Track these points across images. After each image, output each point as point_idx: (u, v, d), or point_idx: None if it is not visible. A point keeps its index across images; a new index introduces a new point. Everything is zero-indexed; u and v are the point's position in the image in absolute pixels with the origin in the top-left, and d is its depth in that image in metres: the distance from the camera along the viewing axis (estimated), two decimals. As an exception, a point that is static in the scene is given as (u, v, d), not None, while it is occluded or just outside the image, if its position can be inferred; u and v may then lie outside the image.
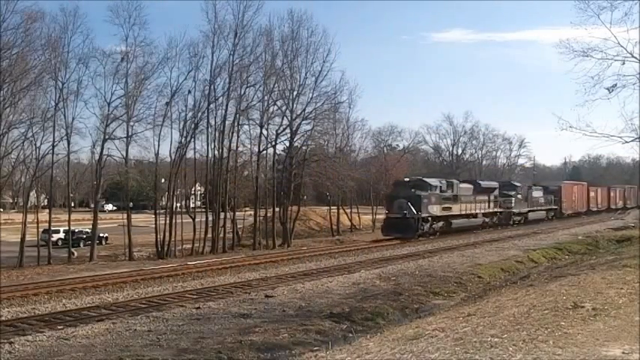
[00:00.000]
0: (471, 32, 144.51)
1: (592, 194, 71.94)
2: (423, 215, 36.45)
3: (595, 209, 72.47)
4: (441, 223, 39.43)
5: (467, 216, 42.07)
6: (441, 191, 39.92)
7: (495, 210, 46.54)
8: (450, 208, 40.06)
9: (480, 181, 48.57)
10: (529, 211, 51.76)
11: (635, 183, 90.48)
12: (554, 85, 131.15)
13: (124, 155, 42.08)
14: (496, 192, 47.16)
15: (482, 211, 44.31)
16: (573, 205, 64.90)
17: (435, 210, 38.35)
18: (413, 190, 37.20)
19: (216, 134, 45.36)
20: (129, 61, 43.08)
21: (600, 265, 16.96)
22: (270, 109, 48.15)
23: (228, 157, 45.28)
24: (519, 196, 49.87)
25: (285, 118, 48.40)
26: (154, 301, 15.09)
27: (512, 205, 48.40)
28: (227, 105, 45.59)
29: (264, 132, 48.02)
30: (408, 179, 41.95)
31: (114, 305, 14.70)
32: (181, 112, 45.59)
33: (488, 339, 7.33)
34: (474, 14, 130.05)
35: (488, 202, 45.73)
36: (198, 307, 13.78)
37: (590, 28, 19.11)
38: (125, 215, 40.61)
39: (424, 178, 41.42)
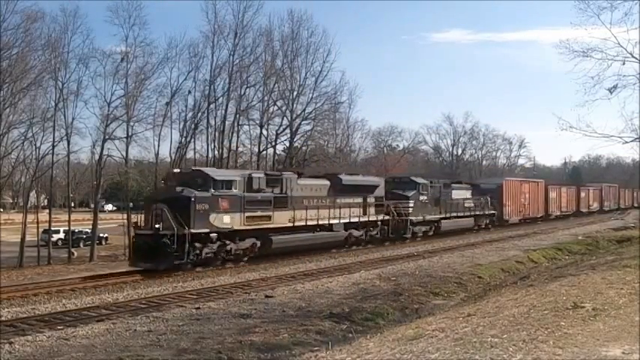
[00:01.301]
0: (471, 32, 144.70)
1: (553, 194, 57.12)
2: (197, 230, 20.83)
3: (557, 213, 58.03)
4: (247, 243, 23.15)
5: (310, 228, 25.98)
6: (249, 189, 23.16)
7: (376, 218, 30.41)
8: (268, 217, 23.82)
9: (345, 175, 30.25)
10: (442, 218, 36.99)
11: (626, 182, 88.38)
12: (554, 85, 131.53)
13: (124, 155, 42.15)
14: (379, 191, 31.17)
15: (347, 221, 27.90)
16: (523, 208, 49.61)
17: (228, 221, 22.05)
18: (180, 189, 21.39)
19: (216, 134, 45.42)
20: (129, 61, 43.17)
21: (600, 265, 16.97)
22: (270, 109, 48.25)
23: (228, 157, 45.31)
24: (423, 197, 34.78)
25: (285, 118, 48.48)
26: (154, 301, 15.09)
27: (411, 210, 33.04)
28: (227, 105, 45.69)
29: (264, 132, 48.11)
30: (179, 170, 25.74)
31: (114, 305, 14.71)
32: (181, 112, 45.69)
33: (488, 339, 7.34)
34: (473, 14, 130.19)
35: (363, 206, 29.51)
36: (198, 307, 13.78)
37: (590, 29, 19.17)
38: (125, 215, 40.63)
39: (206, 170, 24.30)
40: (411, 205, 33.18)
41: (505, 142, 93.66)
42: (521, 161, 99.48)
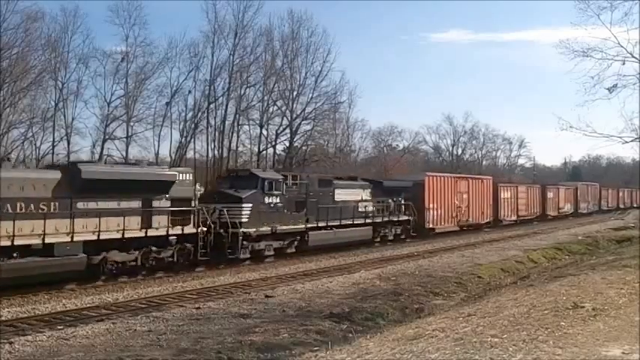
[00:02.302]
0: (470, 32, 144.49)
1: (505, 195, 45.92)
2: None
3: (512, 218, 47.00)
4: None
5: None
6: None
7: (167, 232, 19.40)
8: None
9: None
10: (312, 228, 25.30)
11: (617, 182, 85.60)
12: (554, 85, 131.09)
13: (124, 155, 42.13)
14: (175, 190, 19.79)
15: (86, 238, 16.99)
16: (458, 213, 38.45)
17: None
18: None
19: (216, 134, 45.47)
20: (129, 61, 43.21)
21: (600, 265, 16.99)
22: (270, 109, 48.30)
23: (228, 157, 45.35)
24: (273, 199, 23.50)
25: (285, 118, 48.52)
26: (154, 301, 15.09)
27: (245, 217, 22.14)
28: (227, 105, 45.73)
29: (264, 132, 48.15)
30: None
31: (114, 305, 14.71)
32: (181, 112, 45.74)
33: (488, 339, 7.34)
34: (472, 14, 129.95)
35: (141, 213, 18.58)
36: (198, 307, 13.78)
37: (590, 28, 19.20)
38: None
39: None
40: (247, 210, 22.01)
41: (505, 142, 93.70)
42: (521, 161, 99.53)
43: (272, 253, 23.71)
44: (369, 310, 13.52)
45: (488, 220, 42.53)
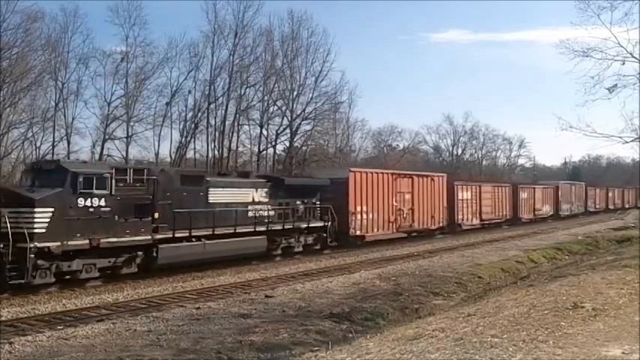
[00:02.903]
0: (470, 32, 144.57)
1: (463, 196, 38.78)
2: None
3: (473, 222, 40.27)
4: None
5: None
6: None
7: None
8: None
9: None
10: (162, 240, 18.84)
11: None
12: (554, 85, 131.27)
13: (124, 155, 42.22)
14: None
15: None
16: (399, 218, 31.31)
17: None
18: None
19: (216, 134, 45.49)
20: (129, 61, 43.27)
21: (600, 265, 16.99)
22: (270, 109, 48.36)
23: (228, 157, 45.36)
24: (97, 201, 17.08)
25: (285, 118, 48.57)
26: (154, 301, 15.09)
27: (40, 227, 15.73)
28: (227, 105, 45.79)
29: (264, 132, 48.19)
30: None
31: (114, 305, 14.71)
32: (181, 112, 45.82)
33: (488, 339, 7.35)
34: (472, 15, 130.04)
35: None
36: (198, 307, 13.78)
37: (590, 28, 19.23)
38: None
39: None
40: (43, 216, 15.89)
41: (505, 142, 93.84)
42: (521, 161, 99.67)
43: (96, 275, 17.36)
44: (369, 310, 13.52)
45: (440, 224, 35.09)
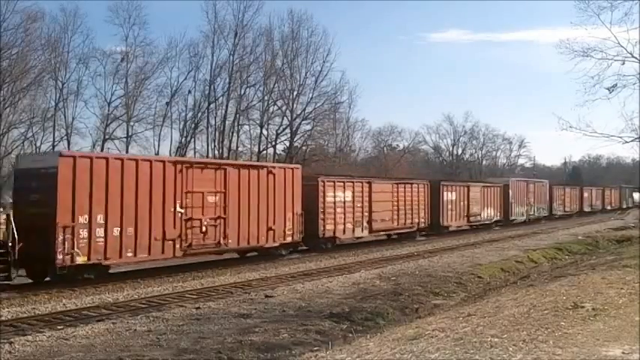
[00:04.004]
0: (469, 32, 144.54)
1: (340, 197, 26.82)
2: None
3: (362, 235, 28.63)
4: None
5: None
6: None
7: None
8: None
9: None
10: None
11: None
12: (554, 85, 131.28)
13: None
14: None
15: None
16: (203, 228, 19.96)
17: None
18: None
19: (216, 134, 45.57)
20: (129, 61, 43.35)
21: (600, 265, 16.98)
22: (270, 109, 48.42)
23: (228, 157, 45.36)
24: None
25: (285, 118, 48.63)
26: (154, 301, 15.08)
27: None
28: (227, 105, 45.90)
29: (264, 132, 48.24)
30: None
31: (114, 305, 14.70)
32: (181, 112, 45.93)
33: (488, 339, 7.34)
34: (471, 15, 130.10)
35: None
36: (198, 307, 13.78)
37: (590, 28, 19.27)
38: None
39: None
40: None
41: (505, 141, 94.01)
42: (521, 161, 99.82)
43: None
44: (369, 310, 13.52)
45: (291, 239, 23.80)
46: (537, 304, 10.10)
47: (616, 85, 19.54)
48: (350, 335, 11.10)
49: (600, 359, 6.28)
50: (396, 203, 30.79)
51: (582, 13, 19.82)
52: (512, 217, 45.03)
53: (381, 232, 30.80)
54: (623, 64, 19.59)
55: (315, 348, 9.75)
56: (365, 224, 28.62)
